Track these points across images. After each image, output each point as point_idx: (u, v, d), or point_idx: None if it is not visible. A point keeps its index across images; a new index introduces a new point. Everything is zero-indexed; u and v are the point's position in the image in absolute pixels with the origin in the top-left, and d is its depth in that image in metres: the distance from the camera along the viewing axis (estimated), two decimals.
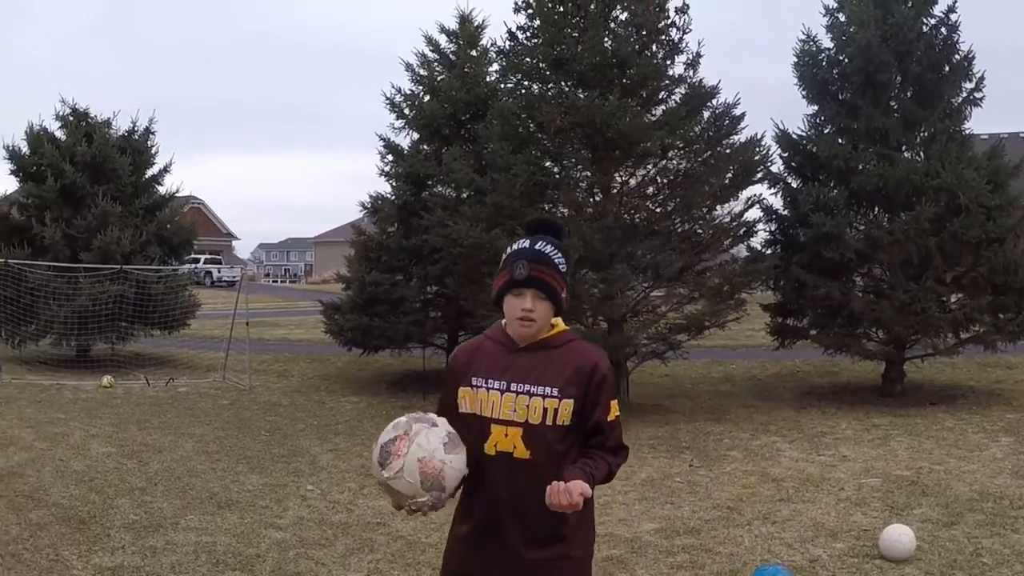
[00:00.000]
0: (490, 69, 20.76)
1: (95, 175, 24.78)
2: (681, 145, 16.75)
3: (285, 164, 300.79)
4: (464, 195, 18.88)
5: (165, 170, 27.15)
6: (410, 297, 20.16)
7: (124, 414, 16.55)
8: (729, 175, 16.81)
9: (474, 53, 21.21)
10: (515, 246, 4.04)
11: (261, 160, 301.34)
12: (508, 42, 17.84)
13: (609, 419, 3.95)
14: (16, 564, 7.98)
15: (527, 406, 3.88)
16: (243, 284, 24.75)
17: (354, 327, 20.41)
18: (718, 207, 17.32)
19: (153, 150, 26.78)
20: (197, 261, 66.38)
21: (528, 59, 17.43)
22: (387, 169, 21.75)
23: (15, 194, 26.94)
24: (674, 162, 17.16)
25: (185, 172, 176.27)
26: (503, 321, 4.10)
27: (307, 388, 20.81)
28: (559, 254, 3.98)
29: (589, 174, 17.34)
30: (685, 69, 17.09)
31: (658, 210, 17.17)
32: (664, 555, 8.21)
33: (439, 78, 21.18)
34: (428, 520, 9.54)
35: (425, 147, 21.16)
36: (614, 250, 16.31)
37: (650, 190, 17.42)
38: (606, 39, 16.60)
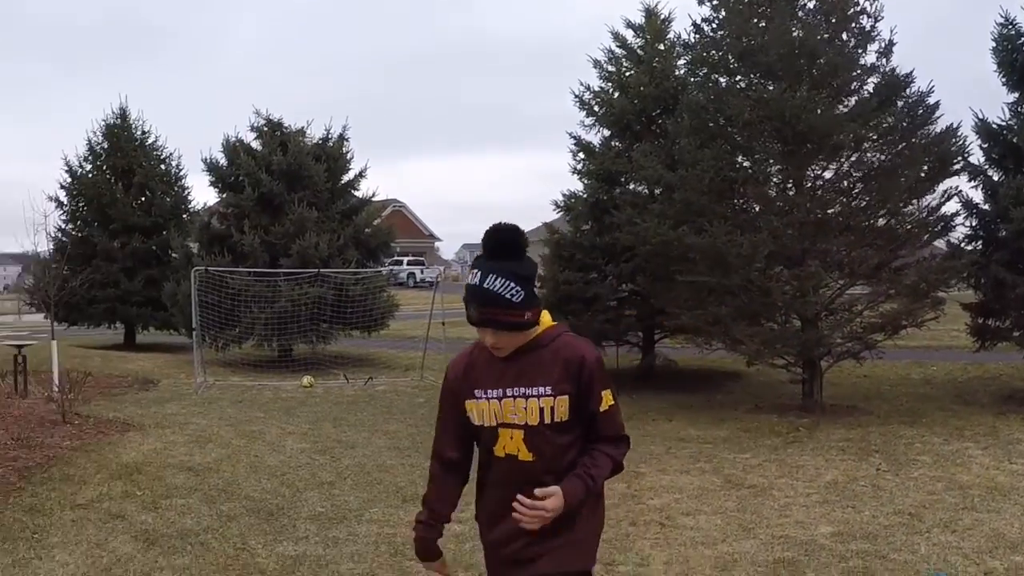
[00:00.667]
0: (679, 63, 20.45)
1: (291, 183, 25.37)
2: (875, 137, 16.17)
3: (487, 165, 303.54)
4: (657, 191, 18.69)
5: (360, 175, 27.76)
6: (604, 295, 20.00)
7: (321, 412, 16.89)
8: (925, 167, 16.12)
9: (661, 47, 20.95)
10: (469, 279, 4.03)
11: (463, 161, 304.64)
12: (694, 35, 17.57)
13: (602, 409, 4.03)
14: (204, 552, 8.31)
15: (524, 408, 3.99)
16: (440, 284, 24.86)
17: None
18: (914, 201, 16.69)
19: (348, 156, 27.42)
20: (400, 263, 67.57)
21: (714, 52, 17.09)
22: (579, 167, 21.66)
23: (216, 205, 27.72)
24: (868, 155, 16.57)
25: (386, 176, 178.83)
26: None
27: None
28: (511, 285, 3.89)
29: (780, 168, 16.95)
30: (877, 58, 16.41)
31: (852, 204, 16.62)
32: (837, 560, 7.92)
33: (627, 74, 20.99)
34: (605, 515, 9.46)
35: (616, 144, 21.00)
36: (806, 246, 15.93)
37: (844, 184, 16.87)
38: (794, 28, 16.18)
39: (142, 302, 30.05)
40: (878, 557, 7.97)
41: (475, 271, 3.96)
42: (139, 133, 32.73)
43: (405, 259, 71.79)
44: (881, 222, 16.52)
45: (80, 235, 31.29)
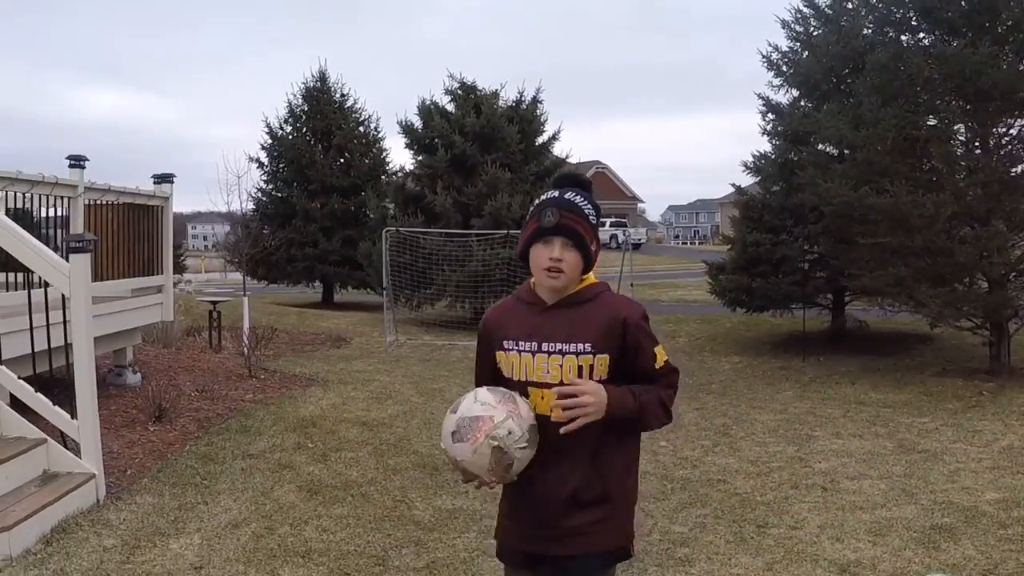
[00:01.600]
0: (867, 21, 20.08)
1: (484, 145, 25.77)
2: None
3: (692, 126, 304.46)
4: (844, 152, 18.45)
5: (554, 137, 28.06)
6: (792, 257, 19.85)
7: None
8: None
9: (850, 5, 20.56)
10: (543, 196, 3.88)
11: (667, 122, 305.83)
12: None
13: (658, 367, 3.77)
14: (363, 502, 8.56)
15: (560, 366, 3.73)
16: (628, 246, 24.83)
17: (736, 287, 20.37)
18: None
19: (542, 118, 27.55)
20: (603, 225, 67.49)
21: (896, 10, 16.75)
22: (768, 128, 21.49)
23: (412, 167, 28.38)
24: None
25: (590, 137, 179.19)
26: (531, 280, 3.93)
27: (692, 348, 20.87)
28: (589, 205, 3.80)
29: (964, 127, 16.56)
30: None
31: None
32: (996, 526, 7.77)
33: (815, 33, 20.70)
34: (768, 479, 9.49)
35: (804, 104, 20.76)
36: (992, 206, 15.56)
37: None
38: None
39: (339, 261, 30.91)
40: None
41: (550, 191, 3.87)
42: (338, 96, 33.56)
43: (608, 221, 71.74)
44: None
45: (280, 196, 32.27)
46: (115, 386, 12.87)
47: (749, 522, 8.05)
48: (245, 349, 15.51)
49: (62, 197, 11.22)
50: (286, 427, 11.35)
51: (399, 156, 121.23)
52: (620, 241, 69.60)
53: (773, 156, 21.09)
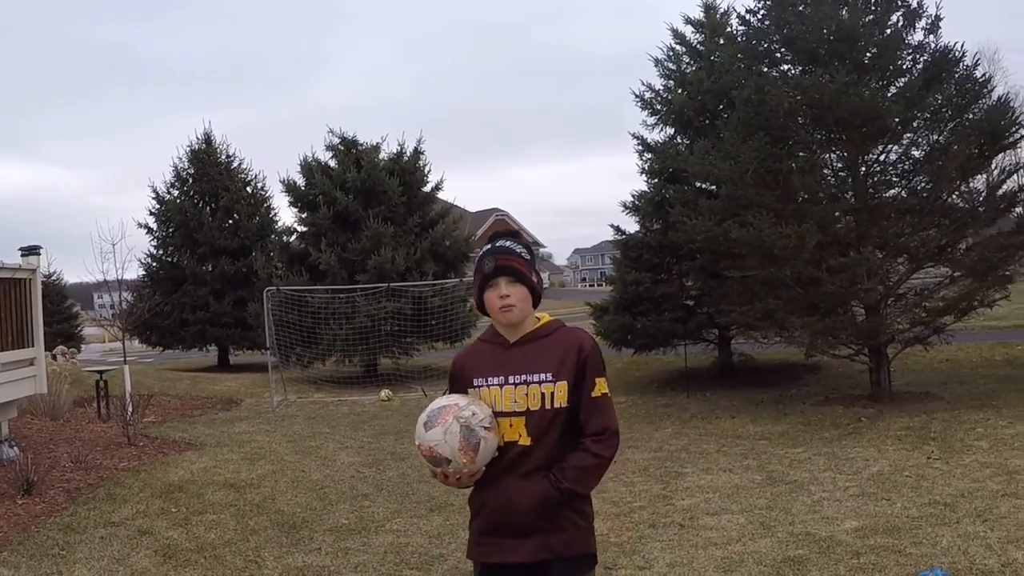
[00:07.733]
0: (737, 56, 20.23)
1: (366, 199, 25.73)
2: (926, 116, 15.79)
3: (596, 168, 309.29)
4: (717, 188, 18.47)
5: (437, 188, 27.93)
6: (673, 294, 19.87)
7: (388, 425, 17.08)
8: (981, 143, 15.53)
9: (721, 41, 20.70)
10: (481, 252, 4.26)
11: (573, 166, 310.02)
12: (739, 27, 17.46)
13: (594, 395, 4.07)
14: (215, 564, 8.50)
15: (525, 395, 4.06)
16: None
17: (619, 327, 20.32)
18: (972, 179, 16.26)
19: (426, 169, 27.53)
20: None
21: (760, 42, 16.86)
22: (645, 166, 21.50)
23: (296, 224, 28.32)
24: (922, 135, 16.20)
25: (491, 185, 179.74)
26: (492, 323, 4.30)
27: None
28: (519, 246, 4.24)
29: (837, 155, 16.66)
30: (924, 35, 16.07)
31: (909, 186, 16.26)
32: (849, 556, 7.65)
33: (688, 70, 20.82)
34: (627, 519, 9.28)
35: (679, 140, 20.87)
36: (862, 232, 15.63)
37: (903, 166, 16.48)
38: (842, 9, 15.83)
39: (232, 323, 30.63)
40: (894, 552, 7.69)
41: (485, 246, 4.26)
42: (223, 157, 33.28)
43: None
44: (936, 203, 16.06)
45: (170, 260, 31.99)
46: None
47: (598, 565, 7.84)
48: (126, 417, 15.29)
49: None
50: (152, 493, 11.26)
51: (286, 215, 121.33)
52: None
53: (651, 194, 21.04)
